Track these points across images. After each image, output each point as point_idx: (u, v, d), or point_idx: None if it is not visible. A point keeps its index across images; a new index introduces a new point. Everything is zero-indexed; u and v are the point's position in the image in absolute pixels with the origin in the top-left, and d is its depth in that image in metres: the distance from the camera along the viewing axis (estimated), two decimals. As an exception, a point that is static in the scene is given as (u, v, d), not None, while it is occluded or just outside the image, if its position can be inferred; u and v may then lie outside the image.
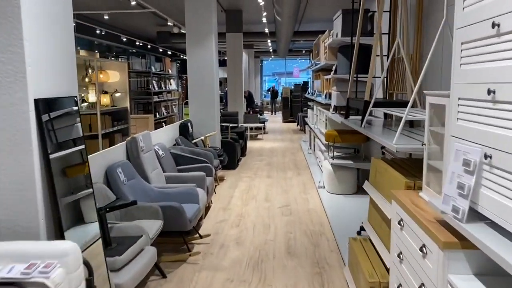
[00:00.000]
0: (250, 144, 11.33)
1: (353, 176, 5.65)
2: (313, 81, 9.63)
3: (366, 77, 4.20)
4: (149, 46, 16.69)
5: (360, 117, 4.03)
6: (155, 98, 12.65)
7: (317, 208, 5.39)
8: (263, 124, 12.60)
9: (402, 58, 3.84)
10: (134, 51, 15.22)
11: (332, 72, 5.67)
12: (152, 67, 12.55)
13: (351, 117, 4.75)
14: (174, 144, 6.32)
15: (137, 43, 16.16)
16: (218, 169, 6.41)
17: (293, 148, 10.64)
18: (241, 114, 12.60)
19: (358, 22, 4.43)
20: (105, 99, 8.81)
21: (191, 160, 5.59)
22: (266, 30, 13.61)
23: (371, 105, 3.75)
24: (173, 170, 5.26)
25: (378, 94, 4.52)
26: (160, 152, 5.06)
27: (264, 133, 13.66)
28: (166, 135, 6.24)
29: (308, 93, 10.09)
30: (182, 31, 14.73)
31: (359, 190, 5.64)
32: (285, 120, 17.64)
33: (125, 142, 4.51)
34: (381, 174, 3.04)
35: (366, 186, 3.33)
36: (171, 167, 5.25)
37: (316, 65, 8.52)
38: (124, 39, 14.60)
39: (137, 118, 12.00)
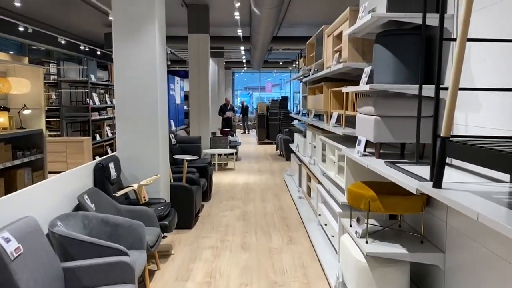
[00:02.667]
0: (218, 177, 8.62)
1: (404, 278, 3.03)
2: (304, 97, 7.05)
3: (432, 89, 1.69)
4: (98, 52, 13.83)
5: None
6: (95, 116, 9.78)
7: None
8: (235, 150, 9.93)
9: None
10: (66, 54, 12.29)
11: (365, 80, 3.07)
12: (92, 76, 9.72)
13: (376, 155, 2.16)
14: (77, 207, 3.57)
15: (82, 47, 13.27)
16: (155, 247, 3.68)
17: (275, 186, 7.99)
18: (207, 138, 9.89)
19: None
20: (1, 119, 5.97)
21: (92, 251, 2.84)
22: (239, 32, 11.04)
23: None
24: (48, 279, 2.49)
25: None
26: (10, 249, 2.29)
27: (236, 160, 10.98)
28: (61, 191, 3.48)
29: (298, 112, 7.49)
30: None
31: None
32: (261, 141, 15.03)
33: None
34: None
35: None
36: (44, 273, 2.49)
37: (310, 73, 5.96)
38: (63, 42, 11.72)
39: (68, 142, 9.11)
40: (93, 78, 9.82)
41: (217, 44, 13.09)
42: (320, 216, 4.83)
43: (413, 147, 3.24)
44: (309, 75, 6.17)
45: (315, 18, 11.19)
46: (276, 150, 12.82)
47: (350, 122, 4.16)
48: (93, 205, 3.66)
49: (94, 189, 3.99)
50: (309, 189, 6.08)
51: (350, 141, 3.88)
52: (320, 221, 4.86)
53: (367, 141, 3.14)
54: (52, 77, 10.01)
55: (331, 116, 4.54)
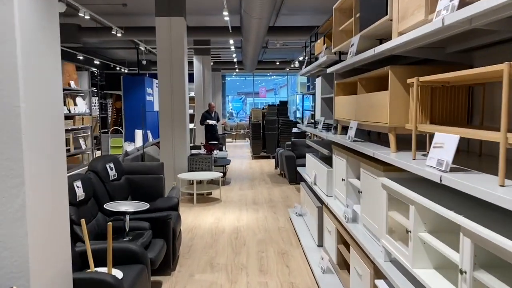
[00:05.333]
0: (196, 216, 6.01)
1: None
2: (325, 100, 4.44)
3: None
4: None
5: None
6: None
7: None
8: (221, 174, 7.31)
9: None
10: None
11: None
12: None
13: None
14: None
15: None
16: None
17: (280, 233, 5.39)
18: (183, 157, 7.29)
19: None
20: None
21: None
22: (226, 18, 8.46)
23: None
24: None
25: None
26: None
27: (224, 183, 8.38)
28: None
29: (315, 125, 4.78)
30: (101, 21, 9.40)
31: None
32: (256, 155, 12.42)
33: None
34: None
35: None
36: None
37: (349, 56, 3.40)
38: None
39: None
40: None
41: (201, 36, 10.53)
42: None
43: None
44: (339, 62, 3.60)
45: (322, 1, 8.67)
46: (276, 168, 10.21)
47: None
48: None
49: None
50: (343, 260, 3.49)
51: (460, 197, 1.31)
52: None
53: None
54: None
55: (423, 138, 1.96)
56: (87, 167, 3.98)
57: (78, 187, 3.39)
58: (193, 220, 5.91)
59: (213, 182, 7.80)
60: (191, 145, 11.02)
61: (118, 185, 4.15)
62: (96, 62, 15.85)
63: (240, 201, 7.03)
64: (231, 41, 11.37)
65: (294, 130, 13.33)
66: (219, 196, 7.29)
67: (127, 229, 3.53)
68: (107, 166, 4.04)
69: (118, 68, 18.61)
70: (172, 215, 4.03)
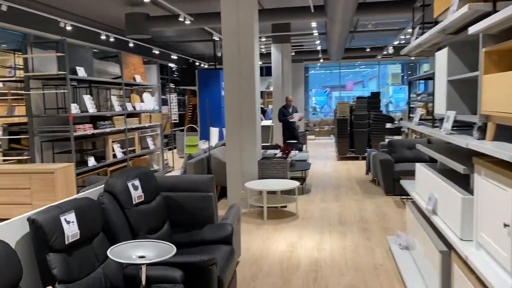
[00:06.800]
0: (262, 241, 4.69)
1: None
2: (463, 82, 2.81)
3: None
4: (111, 39, 10.61)
5: None
6: (82, 130, 6.33)
7: None
8: (297, 183, 5.88)
9: None
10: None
11: None
12: (78, 70, 6.32)
13: None
14: None
15: (104, 37, 10.12)
16: None
17: (375, 274, 3.87)
18: (253, 161, 6.04)
19: None
20: None
21: None
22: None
23: None
24: None
25: None
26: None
27: (302, 192, 6.99)
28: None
29: (434, 124, 3.08)
30: (169, 8, 8.44)
31: None
32: (342, 156, 10.79)
33: None
34: None
35: None
36: None
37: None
38: (62, 25, 8.59)
39: (35, 173, 5.73)
40: (81, 73, 6.41)
41: (278, 19, 9.18)
42: None
43: None
44: (492, 13, 2.01)
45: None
46: (367, 173, 8.54)
47: None
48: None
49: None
50: None
51: None
52: None
53: None
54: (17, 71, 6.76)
55: None
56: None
57: (68, 222, 2.23)
58: (260, 245, 4.60)
59: (288, 192, 6.45)
60: (267, 144, 9.75)
61: (146, 211, 2.95)
62: (173, 56, 15.30)
63: (321, 219, 5.58)
64: (314, 24, 9.86)
65: (388, 125, 11.49)
66: (295, 210, 5.91)
67: (143, 283, 2.32)
68: (129, 184, 2.87)
69: (197, 63, 18.03)
70: (217, 259, 2.74)
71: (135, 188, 2.90)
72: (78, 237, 2.28)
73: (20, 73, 6.00)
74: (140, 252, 2.34)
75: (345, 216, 5.66)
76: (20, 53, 5.87)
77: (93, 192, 2.82)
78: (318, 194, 6.98)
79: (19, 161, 6.09)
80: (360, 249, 4.41)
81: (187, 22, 8.82)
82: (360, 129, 10.47)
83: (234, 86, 6.08)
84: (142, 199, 2.95)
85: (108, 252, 2.27)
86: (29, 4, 7.93)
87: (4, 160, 6.20)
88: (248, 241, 4.69)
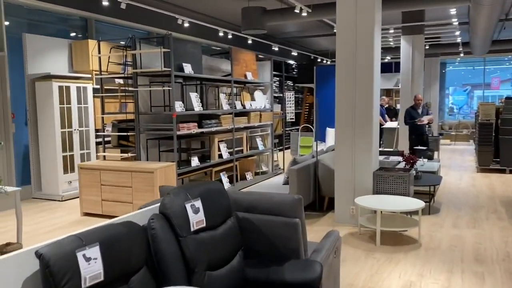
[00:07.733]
0: (370, 276, 3.76)
1: None
2: None
3: None
4: (229, 36, 10.38)
5: None
6: (186, 128, 6.09)
7: None
8: (423, 204, 4.75)
9: None
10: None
11: None
12: (184, 66, 6.11)
13: None
14: None
15: (221, 34, 10.01)
16: None
17: None
18: (367, 171, 5.11)
19: None
20: None
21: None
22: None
23: None
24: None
25: None
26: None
27: (428, 212, 5.79)
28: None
29: None
30: (289, 2, 7.89)
31: None
32: (483, 167, 9.01)
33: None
34: None
35: None
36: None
37: None
38: (180, 22, 8.61)
39: (137, 171, 5.64)
40: (188, 70, 6.18)
41: (409, 6, 7.93)
42: None
43: None
44: None
45: None
46: (516, 192, 6.86)
47: None
48: None
49: None
50: None
51: None
52: None
53: None
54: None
55: None
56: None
57: (88, 259, 1.72)
58: (367, 282, 3.69)
59: (407, 222, 5.33)
60: (390, 150, 8.57)
61: (207, 240, 2.34)
62: (294, 53, 14.79)
63: (451, 251, 4.41)
64: (453, 11, 8.34)
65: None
66: (417, 236, 4.81)
67: None
68: (188, 205, 2.28)
69: (319, 60, 17.28)
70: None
71: (195, 211, 2.31)
72: (102, 278, 1.76)
73: (130, 70, 5.96)
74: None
75: (484, 251, 4.39)
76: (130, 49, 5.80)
77: (145, 212, 2.31)
78: (449, 217, 5.70)
79: (125, 159, 6.08)
80: (505, 307, 3.23)
81: (304, 14, 8.14)
82: (508, 136, 8.61)
83: (347, 83, 5.23)
84: (203, 225, 2.35)
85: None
86: (148, 1, 8.07)
87: (104, 157, 6.27)
88: (352, 274, 3.83)
